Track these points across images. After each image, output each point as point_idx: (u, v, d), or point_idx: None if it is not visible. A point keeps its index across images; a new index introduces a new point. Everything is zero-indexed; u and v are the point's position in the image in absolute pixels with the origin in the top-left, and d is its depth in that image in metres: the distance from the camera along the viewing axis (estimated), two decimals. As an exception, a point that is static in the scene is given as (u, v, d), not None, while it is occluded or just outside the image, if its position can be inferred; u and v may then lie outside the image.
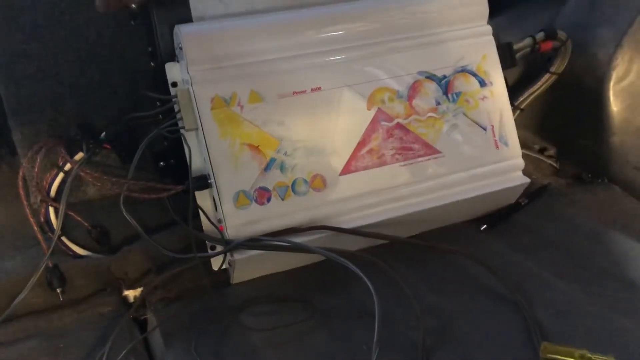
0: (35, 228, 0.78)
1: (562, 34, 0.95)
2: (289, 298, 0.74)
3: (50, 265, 0.77)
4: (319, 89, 0.78)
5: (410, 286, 0.71)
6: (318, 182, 0.77)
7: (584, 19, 0.98)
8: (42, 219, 0.80)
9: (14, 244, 0.83)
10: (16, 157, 0.86)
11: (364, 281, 0.64)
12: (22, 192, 0.79)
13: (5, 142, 0.87)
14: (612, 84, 0.92)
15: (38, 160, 0.80)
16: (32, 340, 0.73)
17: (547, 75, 0.99)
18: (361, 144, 0.79)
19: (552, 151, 1.05)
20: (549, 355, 0.60)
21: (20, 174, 0.80)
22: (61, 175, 0.80)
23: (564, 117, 1.02)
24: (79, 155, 0.79)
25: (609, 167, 0.96)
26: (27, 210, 0.79)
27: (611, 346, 0.61)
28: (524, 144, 0.89)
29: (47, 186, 0.80)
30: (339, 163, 0.78)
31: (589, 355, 0.58)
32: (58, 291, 0.76)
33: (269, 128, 0.75)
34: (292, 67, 0.77)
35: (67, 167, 0.79)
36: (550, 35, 0.95)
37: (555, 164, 1.04)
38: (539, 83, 0.99)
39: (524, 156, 0.88)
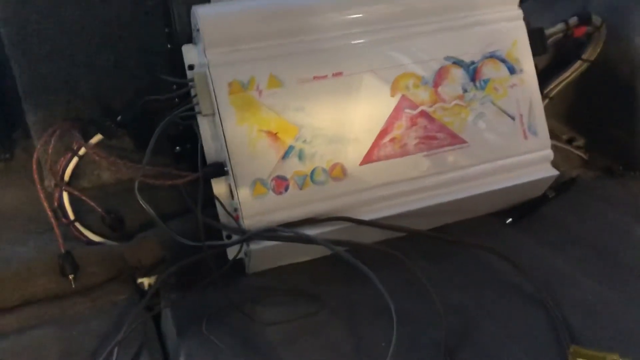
0: (49, 213, 0.77)
1: (596, 19, 0.91)
2: (305, 291, 0.72)
3: (63, 251, 0.75)
4: (340, 74, 0.75)
5: (431, 282, 0.68)
6: (338, 172, 0.74)
7: (620, 4, 0.93)
8: (55, 204, 0.79)
9: (27, 228, 0.81)
10: (30, 140, 0.84)
11: (383, 278, 0.62)
12: (36, 176, 0.78)
13: (20, 124, 0.86)
14: (648, 72, 0.88)
15: (52, 143, 0.78)
16: (45, 327, 0.72)
17: (578, 63, 0.95)
18: (383, 132, 0.76)
19: (581, 141, 1.01)
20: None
21: (35, 157, 0.78)
22: (75, 159, 0.78)
23: (595, 106, 0.98)
24: (95, 139, 0.77)
25: (642, 159, 0.92)
26: (41, 195, 0.77)
27: (644, 350, 0.58)
28: (551, 134, 0.85)
29: (60, 170, 0.78)
30: (359, 152, 0.75)
31: (621, 360, 0.56)
32: (70, 278, 0.75)
33: (287, 114, 0.73)
34: (313, 50, 0.74)
35: (82, 151, 0.78)
36: (584, 20, 0.90)
37: (583, 155, 1.00)
38: (570, 70, 0.95)
39: (552, 146, 0.84)
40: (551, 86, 0.96)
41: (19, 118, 0.84)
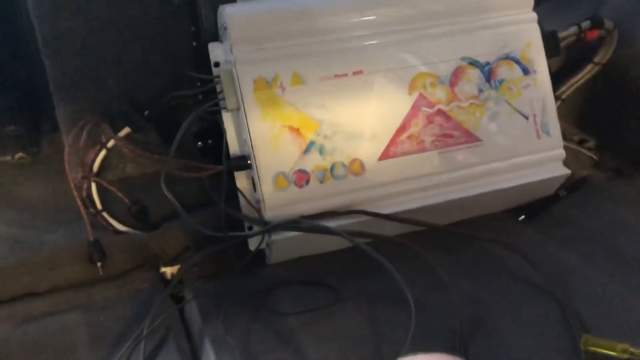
0: (79, 203, 0.80)
1: (608, 23, 0.93)
2: (324, 281, 0.75)
3: (92, 239, 0.78)
4: (360, 72, 0.77)
5: (447, 274, 0.70)
6: (357, 167, 0.77)
7: (632, 8, 0.95)
8: (84, 194, 0.82)
9: (56, 218, 0.84)
10: (57, 133, 0.87)
11: (399, 269, 0.64)
12: (67, 168, 0.80)
13: (48, 118, 0.89)
14: (659, 75, 0.90)
15: (83, 136, 0.81)
16: (73, 312, 0.74)
17: (590, 66, 0.97)
18: (401, 129, 0.78)
19: (591, 143, 1.03)
20: (590, 348, 0.59)
21: (66, 149, 0.81)
22: (104, 151, 0.81)
23: (605, 109, 1.00)
24: (123, 132, 0.80)
25: (651, 160, 0.94)
26: (72, 185, 0.80)
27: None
28: (563, 135, 0.88)
29: (90, 162, 0.81)
30: (378, 148, 0.77)
31: (631, 349, 0.58)
32: (98, 265, 0.78)
33: (309, 110, 0.75)
34: (334, 49, 0.77)
35: (110, 143, 0.81)
36: (597, 24, 0.93)
37: (594, 156, 1.02)
38: (582, 73, 0.97)
39: (563, 147, 0.87)
40: (563, 88, 0.98)
41: (47, 112, 0.87)
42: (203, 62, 0.79)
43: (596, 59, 0.96)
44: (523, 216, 0.86)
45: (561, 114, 0.95)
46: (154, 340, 0.69)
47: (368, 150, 0.77)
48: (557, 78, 0.98)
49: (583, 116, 1.02)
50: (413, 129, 0.79)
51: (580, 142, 1.04)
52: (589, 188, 0.93)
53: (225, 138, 0.76)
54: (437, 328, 0.65)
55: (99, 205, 0.82)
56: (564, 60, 1.00)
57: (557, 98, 0.98)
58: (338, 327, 0.68)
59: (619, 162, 0.99)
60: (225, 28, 0.74)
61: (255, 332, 0.68)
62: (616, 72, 0.95)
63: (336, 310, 0.70)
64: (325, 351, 0.65)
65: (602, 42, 0.95)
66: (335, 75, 0.77)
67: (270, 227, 0.72)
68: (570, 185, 0.92)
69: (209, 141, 0.82)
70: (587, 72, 0.97)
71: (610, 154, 1.00)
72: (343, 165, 0.76)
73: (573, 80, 0.98)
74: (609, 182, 0.95)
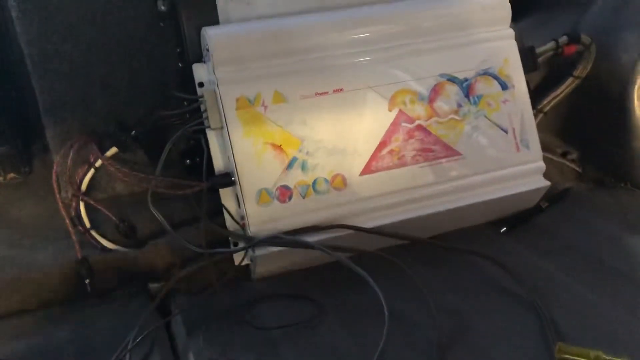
0: (67, 221, 0.81)
1: (585, 38, 0.95)
2: (307, 295, 0.76)
3: (80, 257, 0.80)
4: (341, 90, 0.79)
5: (427, 286, 0.72)
6: (339, 182, 0.78)
7: (609, 23, 0.98)
8: (72, 213, 0.83)
9: (45, 236, 0.86)
10: (48, 154, 0.89)
11: (381, 282, 0.66)
12: (55, 187, 0.82)
13: (39, 139, 0.90)
14: (636, 88, 0.92)
15: (71, 156, 0.83)
16: (62, 328, 0.76)
17: (570, 79, 0.99)
18: (382, 144, 0.80)
19: (574, 155, 1.05)
20: (564, 356, 0.60)
21: (54, 169, 0.83)
22: (92, 171, 0.83)
23: (587, 121, 1.02)
24: (111, 152, 0.82)
25: (632, 172, 0.96)
26: (60, 204, 0.82)
27: (627, 350, 0.61)
28: (546, 148, 0.89)
29: (78, 181, 0.83)
30: (359, 163, 0.79)
31: (604, 356, 0.59)
32: (87, 282, 0.79)
33: (291, 128, 0.77)
34: (315, 68, 0.79)
35: (98, 163, 0.82)
36: (574, 39, 0.95)
37: (577, 168, 1.04)
38: (563, 87, 1.00)
39: (546, 159, 0.88)
40: (545, 102, 1.01)
41: (38, 133, 0.89)
42: (188, 83, 0.81)
43: (576, 73, 0.98)
44: (504, 228, 0.87)
45: (544, 127, 0.97)
46: (140, 354, 0.70)
47: (350, 166, 0.79)
48: (540, 92, 1.01)
49: (566, 129, 1.04)
50: (394, 144, 0.80)
51: (564, 154, 1.05)
52: (571, 200, 0.95)
53: (208, 155, 0.77)
54: (416, 339, 0.67)
55: (87, 224, 0.83)
56: (546, 74, 1.02)
57: (539, 111, 1.00)
58: (319, 340, 0.69)
59: (601, 173, 1.01)
60: (208, 50, 0.76)
61: (238, 346, 0.69)
62: (595, 86, 0.97)
63: (318, 323, 0.72)
64: (306, 364, 0.66)
65: (581, 57, 0.97)
66: (316, 93, 0.79)
67: (252, 243, 0.74)
68: (553, 197, 0.93)
69: (197, 159, 0.84)
70: (567, 85, 1.00)
71: (592, 166, 1.02)
72: (325, 180, 0.78)
73: (554, 93, 1.01)
74: (591, 194, 0.97)
